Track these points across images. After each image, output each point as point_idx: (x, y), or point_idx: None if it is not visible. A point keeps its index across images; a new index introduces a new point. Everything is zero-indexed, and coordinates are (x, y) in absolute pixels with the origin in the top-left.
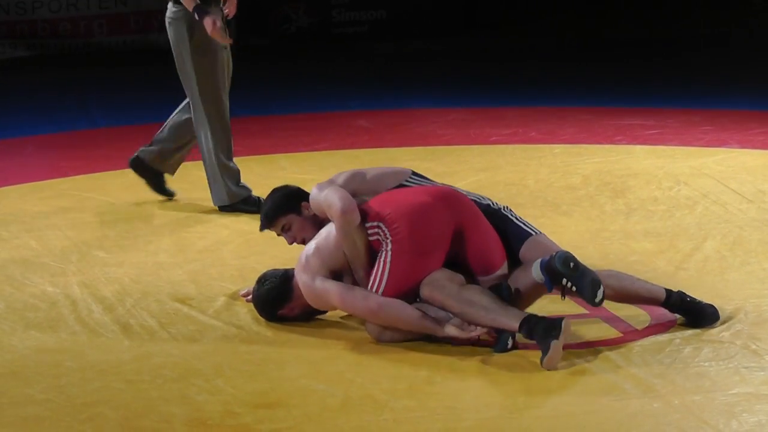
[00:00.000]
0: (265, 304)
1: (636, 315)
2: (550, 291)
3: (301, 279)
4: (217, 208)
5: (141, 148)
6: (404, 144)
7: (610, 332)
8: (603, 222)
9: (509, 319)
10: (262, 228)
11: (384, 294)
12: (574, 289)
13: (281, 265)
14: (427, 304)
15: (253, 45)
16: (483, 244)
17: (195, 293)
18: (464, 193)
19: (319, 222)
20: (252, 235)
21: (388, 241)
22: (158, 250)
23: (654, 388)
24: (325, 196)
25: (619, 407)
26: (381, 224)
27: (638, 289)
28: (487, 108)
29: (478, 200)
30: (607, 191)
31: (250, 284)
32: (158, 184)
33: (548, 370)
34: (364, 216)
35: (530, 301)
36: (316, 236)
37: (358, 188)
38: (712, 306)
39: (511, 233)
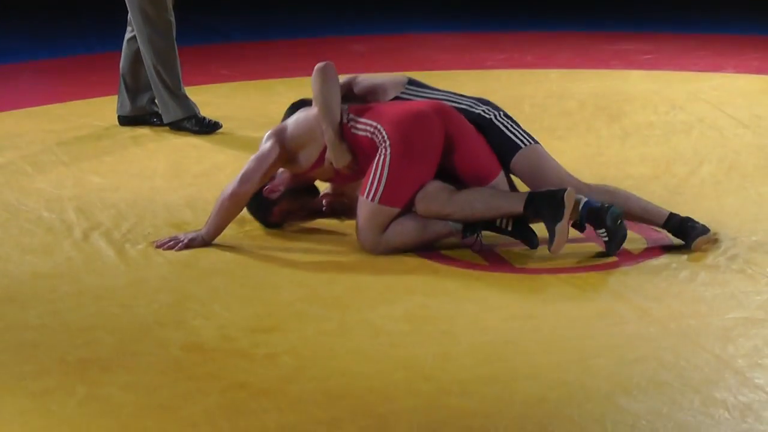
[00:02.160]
0: (255, 215)
1: (632, 239)
2: (582, 231)
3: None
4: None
5: (150, 107)
6: (399, 69)
7: (606, 256)
8: (599, 147)
9: (511, 204)
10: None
11: (382, 199)
12: (606, 239)
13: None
14: (425, 218)
15: None
16: (473, 155)
17: (191, 218)
18: (460, 96)
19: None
20: (247, 160)
21: (386, 144)
22: (154, 174)
23: (650, 313)
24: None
25: (616, 332)
26: (378, 126)
27: (634, 208)
28: (483, 33)
29: (470, 107)
30: (603, 116)
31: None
32: (200, 124)
33: (554, 254)
34: (361, 112)
35: None
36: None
37: (353, 88)
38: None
39: (499, 145)
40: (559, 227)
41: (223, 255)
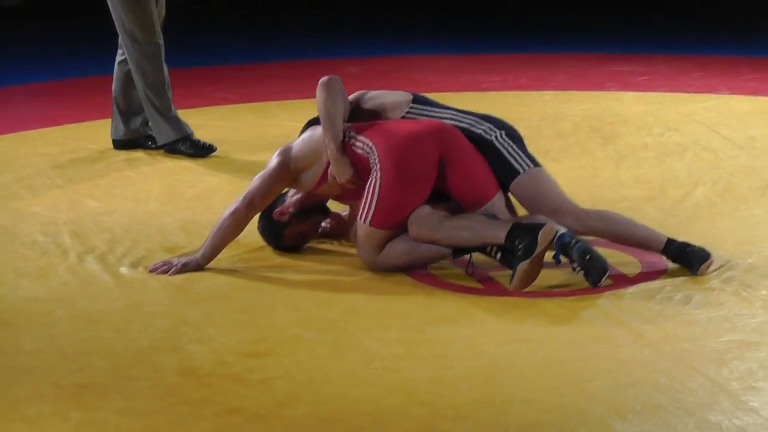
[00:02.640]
0: (268, 240)
1: (627, 262)
2: (558, 264)
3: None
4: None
5: (145, 129)
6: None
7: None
8: (593, 169)
9: (495, 234)
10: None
11: (372, 222)
12: (581, 273)
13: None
14: (417, 241)
15: None
16: (468, 178)
17: (185, 242)
18: (464, 114)
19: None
20: (242, 183)
21: (377, 168)
22: (149, 198)
23: (644, 336)
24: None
25: (610, 355)
26: (372, 146)
27: (634, 234)
28: (479, 54)
29: (471, 126)
30: (598, 138)
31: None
32: (195, 146)
33: (517, 290)
34: (360, 130)
35: None
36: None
37: (361, 105)
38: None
39: (499, 169)
40: (523, 266)
41: (218, 279)
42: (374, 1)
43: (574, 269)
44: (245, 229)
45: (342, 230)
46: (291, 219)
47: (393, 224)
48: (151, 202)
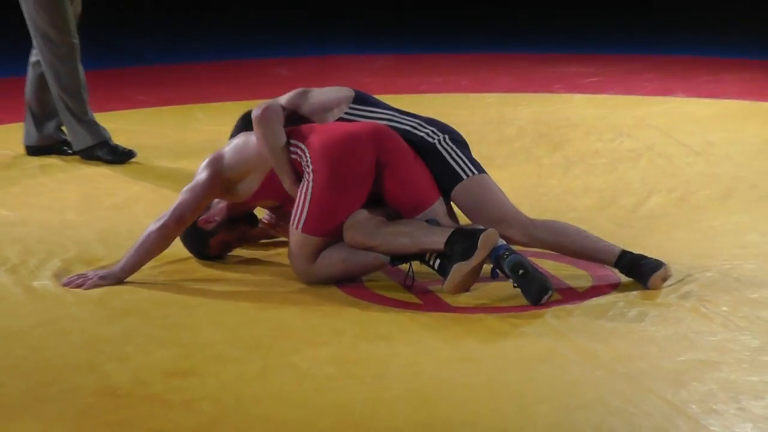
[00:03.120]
0: (190, 248)
1: (576, 275)
2: (494, 278)
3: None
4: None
5: (58, 134)
6: None
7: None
8: (540, 177)
9: (435, 240)
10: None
11: (305, 228)
12: (519, 290)
13: None
14: (353, 248)
15: None
16: (406, 182)
17: (104, 253)
18: (406, 116)
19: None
20: (164, 191)
21: (309, 170)
22: (65, 207)
23: (596, 355)
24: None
25: (558, 375)
26: (304, 149)
27: (584, 246)
28: (415, 55)
29: (413, 128)
30: (545, 143)
31: None
32: (114, 152)
33: (449, 293)
34: (292, 134)
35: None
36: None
37: (300, 107)
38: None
39: (441, 174)
40: (458, 266)
41: (138, 293)
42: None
43: (514, 285)
44: None
45: (281, 227)
46: (217, 227)
47: (327, 231)
48: (66, 211)
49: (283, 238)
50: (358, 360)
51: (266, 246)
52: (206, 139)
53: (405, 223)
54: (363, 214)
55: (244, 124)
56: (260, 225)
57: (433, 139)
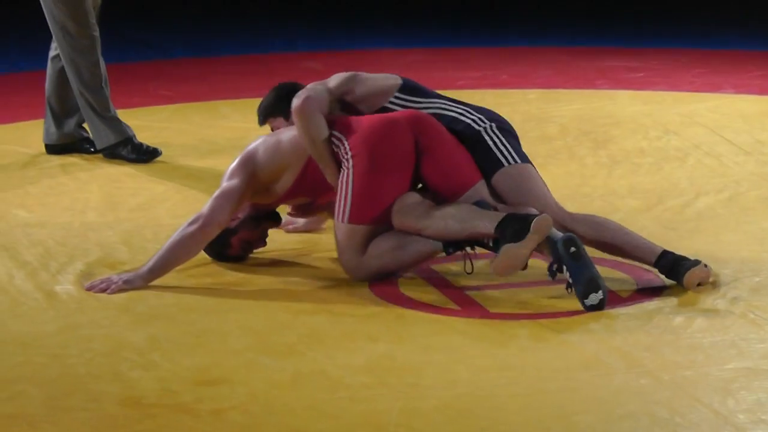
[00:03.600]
0: (209, 249)
1: (620, 279)
2: (552, 278)
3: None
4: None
5: (79, 132)
6: None
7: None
8: (583, 176)
9: (486, 225)
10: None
11: (351, 217)
12: (569, 278)
13: None
14: (403, 235)
15: None
16: (448, 164)
17: (127, 257)
18: (454, 103)
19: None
20: (190, 192)
21: (349, 158)
22: (86, 208)
23: (641, 363)
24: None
25: (602, 384)
26: (342, 138)
27: (624, 243)
28: (452, 48)
29: (460, 115)
30: (588, 142)
31: None
32: (138, 150)
33: (496, 275)
34: (332, 125)
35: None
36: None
37: (349, 93)
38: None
39: (482, 159)
40: (509, 248)
41: (163, 298)
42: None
43: (567, 288)
44: None
45: (309, 222)
46: (240, 225)
47: (373, 217)
48: (88, 212)
49: (312, 232)
50: (392, 368)
51: (295, 248)
52: (234, 136)
53: (455, 206)
54: (411, 197)
55: (279, 100)
56: (288, 215)
57: (480, 126)
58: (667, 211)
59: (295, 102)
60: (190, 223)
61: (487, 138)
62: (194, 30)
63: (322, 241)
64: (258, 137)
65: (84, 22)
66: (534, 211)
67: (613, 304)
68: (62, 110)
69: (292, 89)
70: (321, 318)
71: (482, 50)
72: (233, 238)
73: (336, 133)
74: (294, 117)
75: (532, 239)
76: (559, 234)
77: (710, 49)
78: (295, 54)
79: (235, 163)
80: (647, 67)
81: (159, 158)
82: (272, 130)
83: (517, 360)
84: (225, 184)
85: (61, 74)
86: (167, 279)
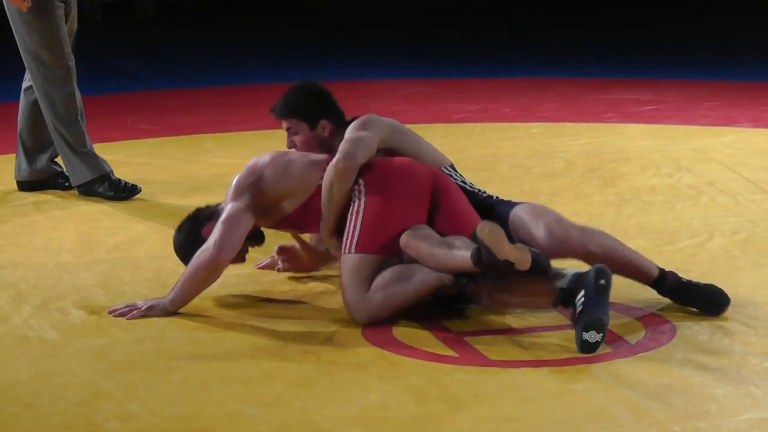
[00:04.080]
0: (180, 252)
1: (629, 325)
2: (554, 306)
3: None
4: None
5: (51, 167)
6: None
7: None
8: (590, 215)
9: (462, 251)
10: (272, 111)
11: (358, 246)
12: (579, 308)
13: None
14: (409, 266)
15: (169, 2)
16: (460, 218)
17: (104, 300)
18: (481, 191)
19: (326, 146)
20: (171, 231)
21: (361, 194)
22: (61, 248)
23: (650, 413)
24: (352, 135)
25: None
26: (360, 182)
27: (629, 259)
28: (451, 79)
29: (479, 193)
30: (595, 179)
31: (169, 289)
32: (115, 187)
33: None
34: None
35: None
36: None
37: (396, 150)
38: (718, 288)
39: (495, 211)
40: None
41: (142, 345)
42: (326, 19)
43: (572, 316)
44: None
45: (297, 262)
46: None
47: (382, 244)
48: (63, 253)
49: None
50: (386, 419)
51: (282, 290)
52: (218, 172)
53: (461, 238)
54: (424, 228)
55: (312, 105)
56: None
57: (484, 194)
58: (679, 253)
59: (338, 164)
60: (203, 251)
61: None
62: (176, 59)
63: (310, 284)
64: (266, 153)
65: (59, 51)
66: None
67: (621, 352)
68: (35, 145)
69: (323, 95)
70: (309, 366)
71: (484, 81)
72: None
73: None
74: (330, 170)
75: (495, 246)
76: (594, 266)
77: (725, 80)
78: (284, 84)
79: (241, 179)
80: (658, 100)
81: (138, 196)
82: (286, 131)
83: (519, 411)
84: (230, 206)
85: (34, 107)
86: (147, 323)
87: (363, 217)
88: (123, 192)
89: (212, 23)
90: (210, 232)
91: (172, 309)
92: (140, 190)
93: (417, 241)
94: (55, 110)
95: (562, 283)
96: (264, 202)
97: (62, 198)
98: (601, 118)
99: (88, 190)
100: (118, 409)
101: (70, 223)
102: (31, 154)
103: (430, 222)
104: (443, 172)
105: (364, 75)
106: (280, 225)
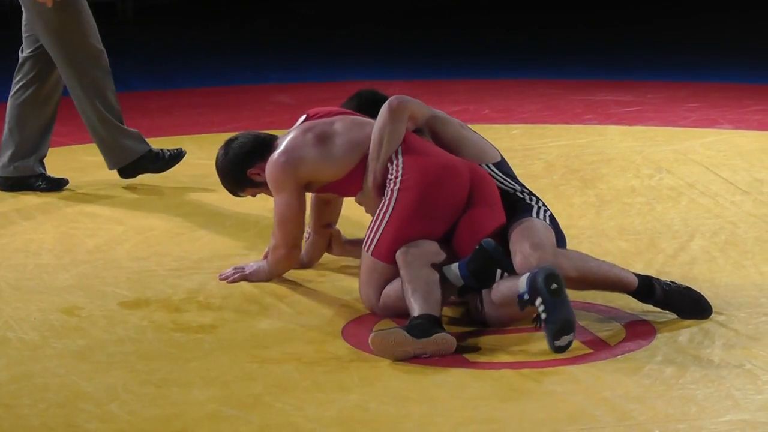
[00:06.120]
0: (236, 159)
1: (609, 327)
2: (521, 309)
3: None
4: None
5: (35, 168)
6: None
7: (578, 348)
8: (570, 217)
9: (418, 306)
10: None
11: (375, 251)
12: (543, 316)
13: (189, 267)
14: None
15: (150, 4)
16: (482, 226)
17: (84, 301)
18: (529, 192)
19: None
20: (152, 232)
21: (396, 189)
22: (41, 250)
23: (630, 415)
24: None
25: None
26: (400, 163)
27: (606, 274)
28: (430, 81)
29: (504, 186)
30: (575, 180)
31: (149, 290)
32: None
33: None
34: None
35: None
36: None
37: (437, 135)
38: (700, 296)
39: (511, 219)
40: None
41: (123, 345)
42: (306, 19)
43: (536, 323)
44: (156, 288)
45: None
46: (263, 183)
47: (394, 259)
48: (43, 254)
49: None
50: (366, 421)
51: (264, 292)
52: (198, 173)
53: (431, 279)
54: (431, 245)
55: (370, 106)
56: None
57: (521, 195)
58: (659, 255)
59: (393, 101)
60: (276, 248)
61: (533, 205)
62: (156, 61)
63: (291, 285)
64: (310, 130)
65: (96, 37)
66: None
67: (600, 354)
68: (21, 145)
69: (377, 99)
70: (289, 367)
71: (464, 82)
72: (251, 189)
73: (397, 153)
74: (383, 109)
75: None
76: (541, 267)
77: (706, 81)
78: (263, 86)
79: (279, 172)
80: (639, 101)
81: (118, 197)
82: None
83: (499, 412)
84: (278, 203)
85: (21, 108)
86: (127, 325)
87: (388, 221)
88: (171, 161)
89: (191, 25)
90: (257, 174)
91: (270, 276)
92: (185, 153)
93: (403, 257)
94: (106, 101)
95: (521, 294)
96: (306, 180)
97: (42, 199)
98: (581, 120)
99: (135, 169)
100: (99, 410)
101: (50, 224)
102: (17, 152)
103: (453, 226)
104: (484, 169)
105: (343, 76)
106: (320, 191)
